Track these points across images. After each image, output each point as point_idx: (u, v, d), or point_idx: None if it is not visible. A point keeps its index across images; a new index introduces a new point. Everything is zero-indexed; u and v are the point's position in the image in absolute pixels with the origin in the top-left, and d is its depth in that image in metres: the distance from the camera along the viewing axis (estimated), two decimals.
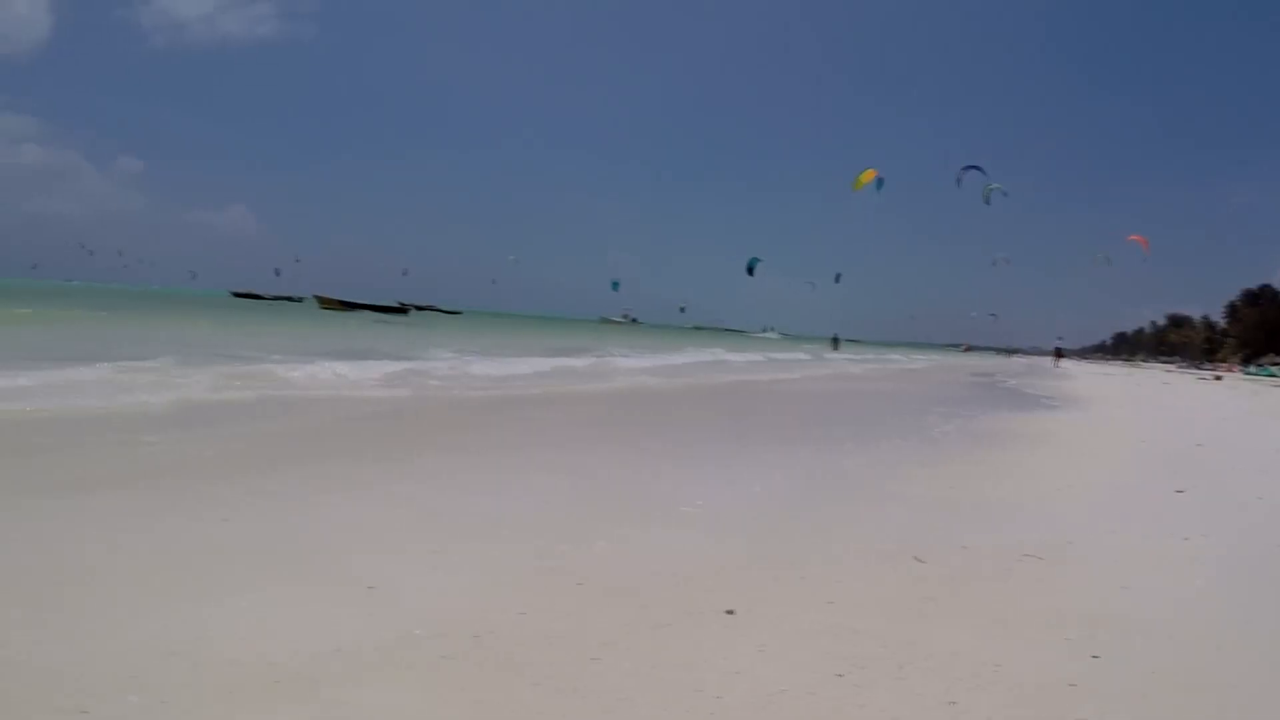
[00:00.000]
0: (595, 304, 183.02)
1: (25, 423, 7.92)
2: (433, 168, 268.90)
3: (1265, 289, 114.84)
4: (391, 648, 3.18)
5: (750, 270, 63.27)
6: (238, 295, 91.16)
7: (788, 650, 3.31)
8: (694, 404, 16.19)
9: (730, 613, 3.71)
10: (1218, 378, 52.90)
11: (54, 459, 6.46)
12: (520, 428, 10.64)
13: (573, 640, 3.32)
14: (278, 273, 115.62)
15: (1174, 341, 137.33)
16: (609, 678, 2.99)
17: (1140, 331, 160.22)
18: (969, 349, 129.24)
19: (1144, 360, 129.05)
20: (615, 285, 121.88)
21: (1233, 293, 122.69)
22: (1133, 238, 55.24)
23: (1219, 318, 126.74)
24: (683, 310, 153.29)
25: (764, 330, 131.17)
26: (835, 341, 70.70)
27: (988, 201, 46.48)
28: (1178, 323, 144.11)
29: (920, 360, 59.43)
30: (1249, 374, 69.18)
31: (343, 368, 15.03)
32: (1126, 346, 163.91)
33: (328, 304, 64.95)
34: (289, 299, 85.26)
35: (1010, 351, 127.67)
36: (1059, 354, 79.74)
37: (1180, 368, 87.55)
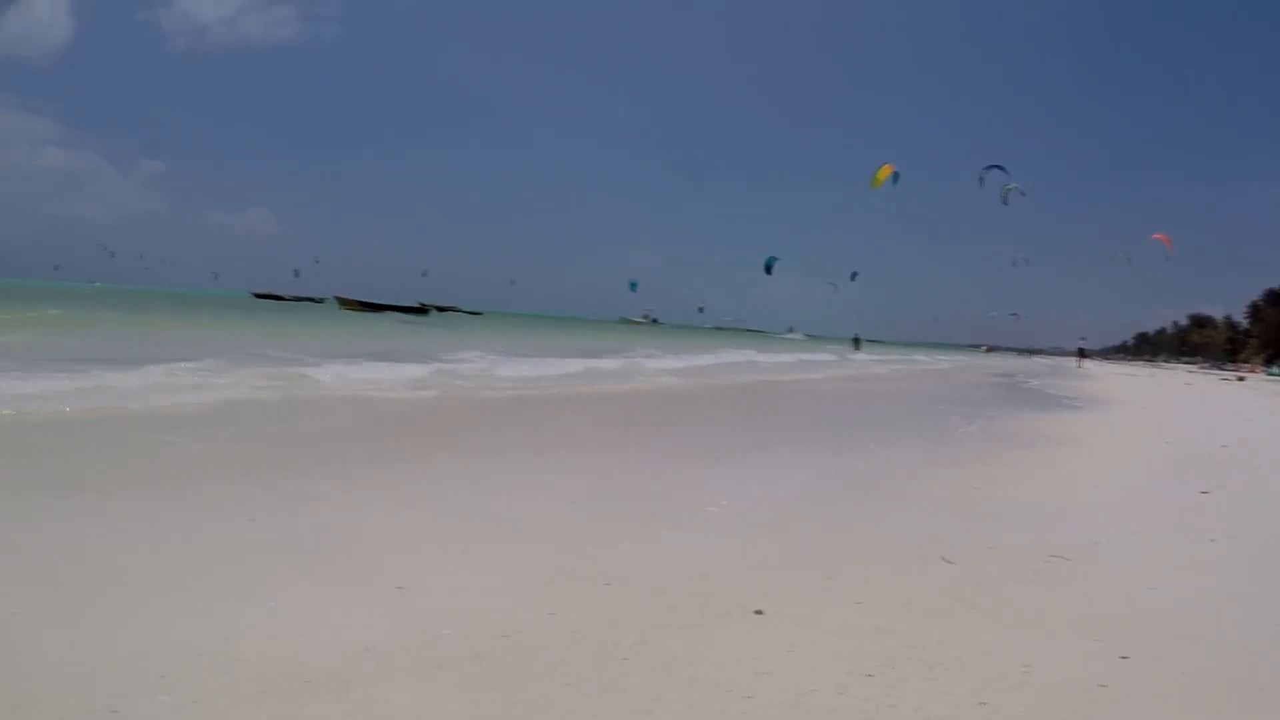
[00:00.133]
0: (614, 304, 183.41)
1: (56, 424, 8.03)
2: (452, 168, 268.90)
3: None
4: (421, 647, 3.19)
5: (768, 269, 63.05)
6: (258, 296, 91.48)
7: (817, 650, 3.31)
8: (721, 404, 16.30)
9: (759, 613, 3.71)
10: (1240, 378, 52.30)
11: (84, 459, 6.55)
12: (546, 428, 10.74)
13: (602, 640, 3.33)
14: (297, 274, 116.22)
15: (1196, 342, 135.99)
16: (640, 678, 2.99)
17: (1162, 332, 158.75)
18: (990, 350, 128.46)
19: (1166, 361, 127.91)
20: (633, 285, 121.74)
21: (1255, 292, 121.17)
22: (1156, 236, 54.76)
23: (1241, 318, 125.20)
24: (701, 310, 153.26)
25: (788, 331, 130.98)
26: (856, 342, 70.44)
27: (1005, 201, 46.28)
28: (1199, 323, 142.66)
29: (944, 361, 59.18)
30: (1272, 374, 68.35)
31: (372, 369, 15.18)
32: (1148, 347, 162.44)
33: (348, 304, 65.16)
34: (310, 300, 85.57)
35: (1031, 352, 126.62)
36: (1082, 354, 77.97)
37: (1202, 368, 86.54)
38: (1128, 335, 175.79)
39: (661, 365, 25.51)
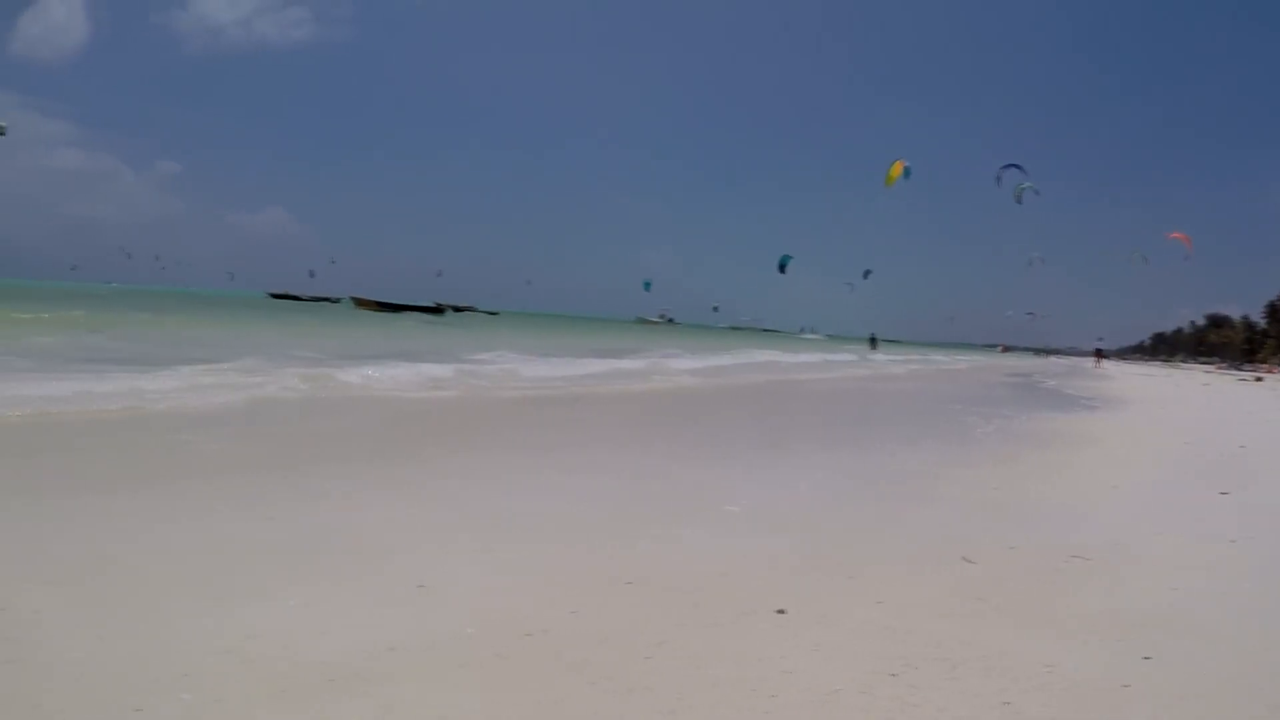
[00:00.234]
0: (629, 304, 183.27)
1: (87, 424, 8.10)
2: (466, 168, 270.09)
3: None
4: (444, 646, 3.20)
5: (782, 268, 62.78)
6: (275, 296, 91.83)
7: (840, 649, 3.31)
8: (741, 403, 16.33)
9: (781, 612, 3.71)
10: (1258, 379, 51.83)
11: (106, 459, 6.61)
12: (568, 427, 10.79)
13: (625, 639, 3.34)
14: (312, 274, 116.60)
15: (1213, 342, 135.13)
16: (664, 677, 3.00)
17: (1179, 332, 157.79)
18: (1006, 350, 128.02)
19: (1183, 361, 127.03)
20: (647, 285, 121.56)
21: (1273, 292, 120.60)
22: (1174, 235, 54.24)
23: (1259, 318, 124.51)
24: (716, 310, 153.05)
25: (806, 331, 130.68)
26: (873, 341, 70.27)
27: (1019, 201, 45.91)
28: (1217, 323, 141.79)
29: (962, 361, 59.03)
30: None
31: (396, 369, 15.18)
32: (1165, 347, 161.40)
33: (364, 304, 65.37)
34: (326, 300, 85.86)
35: (1047, 352, 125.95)
36: (1100, 355, 77.20)
37: (1220, 369, 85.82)
38: (1144, 335, 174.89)
39: (683, 365, 25.50)
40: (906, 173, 41.57)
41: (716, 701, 2.83)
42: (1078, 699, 2.98)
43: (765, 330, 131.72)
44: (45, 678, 2.81)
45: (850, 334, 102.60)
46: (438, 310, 70.24)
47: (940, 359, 59.35)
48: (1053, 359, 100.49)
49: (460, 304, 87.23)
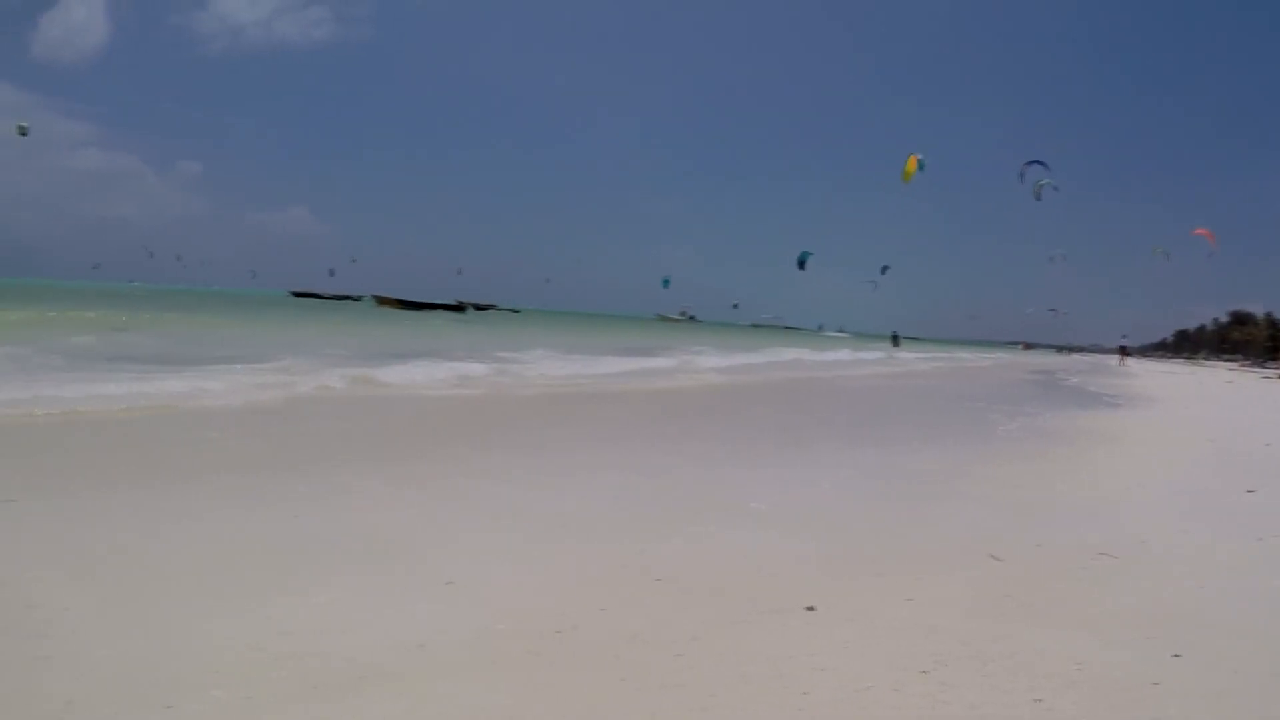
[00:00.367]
0: (649, 301, 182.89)
1: (120, 421, 8.18)
2: (486, 166, 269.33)
3: None
4: (474, 643, 3.22)
5: (801, 265, 62.48)
6: (297, 295, 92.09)
7: (870, 646, 3.32)
8: (767, 400, 16.35)
9: (811, 609, 3.72)
10: None
11: (136, 456, 6.69)
12: (596, 425, 10.86)
13: (655, 636, 3.35)
14: (332, 273, 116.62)
15: (1236, 339, 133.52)
16: (695, 673, 3.01)
17: (1202, 329, 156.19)
18: (1028, 347, 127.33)
19: (1206, 358, 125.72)
20: (666, 283, 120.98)
21: None
22: (1198, 232, 53.66)
23: None
24: (735, 307, 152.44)
25: (828, 329, 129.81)
26: (895, 339, 70.02)
27: (1038, 197, 45.51)
28: (1240, 320, 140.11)
29: (985, 359, 58.75)
30: None
31: (433, 367, 15.37)
32: (1188, 344, 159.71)
33: (385, 303, 65.60)
34: (348, 298, 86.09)
35: (1070, 349, 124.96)
36: (1124, 352, 75.84)
37: (1243, 366, 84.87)
38: (1168, 332, 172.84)
39: (711, 363, 25.60)
40: (921, 165, 41.31)
41: (748, 698, 2.84)
42: (1108, 696, 2.97)
43: (787, 328, 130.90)
44: (75, 674, 2.84)
45: (872, 331, 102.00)
46: (459, 308, 70.28)
47: (965, 356, 59.10)
48: (1075, 356, 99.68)
49: (481, 302, 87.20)
